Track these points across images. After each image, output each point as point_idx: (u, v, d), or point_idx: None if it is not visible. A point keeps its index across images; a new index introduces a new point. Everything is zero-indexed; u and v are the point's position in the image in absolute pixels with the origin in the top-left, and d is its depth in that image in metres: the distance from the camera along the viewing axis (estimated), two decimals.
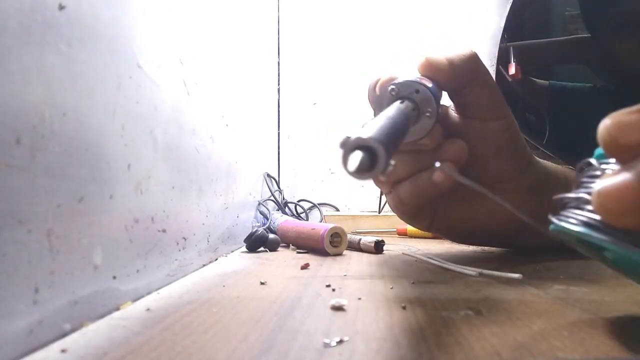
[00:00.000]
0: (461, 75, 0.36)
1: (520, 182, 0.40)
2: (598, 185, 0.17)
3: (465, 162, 0.37)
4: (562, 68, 0.95)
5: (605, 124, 0.18)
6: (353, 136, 0.18)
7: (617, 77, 0.86)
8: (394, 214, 0.43)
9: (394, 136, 0.22)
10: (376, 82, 0.37)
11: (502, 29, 0.84)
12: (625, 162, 0.17)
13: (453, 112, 0.39)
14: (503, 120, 0.39)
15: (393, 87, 0.33)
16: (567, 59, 0.93)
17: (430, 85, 0.33)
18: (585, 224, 0.19)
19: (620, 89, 0.84)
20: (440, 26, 0.89)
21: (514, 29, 0.85)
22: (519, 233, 0.42)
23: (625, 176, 0.16)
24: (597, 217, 0.19)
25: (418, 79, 0.34)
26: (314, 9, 0.92)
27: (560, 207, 0.22)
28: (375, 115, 0.33)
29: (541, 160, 0.43)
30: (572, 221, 0.20)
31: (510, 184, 0.39)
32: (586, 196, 0.19)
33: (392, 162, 0.20)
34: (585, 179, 0.20)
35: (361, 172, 0.18)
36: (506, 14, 0.84)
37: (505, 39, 0.85)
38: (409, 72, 0.36)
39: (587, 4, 0.85)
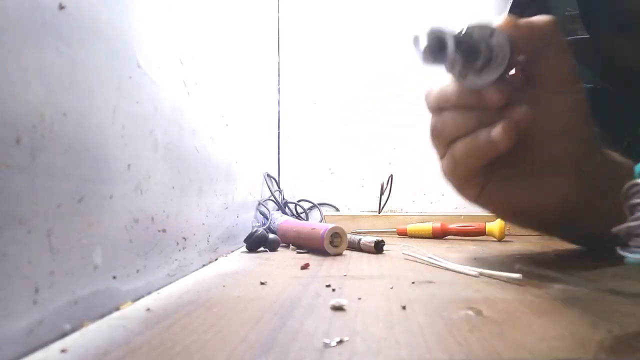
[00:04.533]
0: (538, 37, 0.34)
1: (583, 169, 0.37)
2: None
3: (526, 129, 0.35)
4: None
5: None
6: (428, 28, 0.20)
7: (618, 77, 0.86)
8: (447, 179, 0.41)
9: (465, 38, 0.23)
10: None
11: None
12: None
13: (522, 84, 0.37)
14: (574, 95, 0.36)
15: (467, 27, 0.31)
16: None
17: (506, 33, 0.33)
18: None
19: (620, 90, 0.84)
20: (441, 26, 0.89)
21: None
22: (567, 224, 0.40)
23: None
24: None
25: (494, 27, 0.33)
26: (314, 9, 0.92)
27: (626, 237, 0.21)
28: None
29: (611, 154, 0.40)
30: None
31: (571, 167, 0.37)
32: None
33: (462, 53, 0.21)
34: (638, 201, 0.20)
35: (431, 57, 0.20)
36: (506, 14, 0.84)
37: None
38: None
39: (585, 5, 0.85)
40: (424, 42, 0.19)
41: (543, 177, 0.37)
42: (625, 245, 0.21)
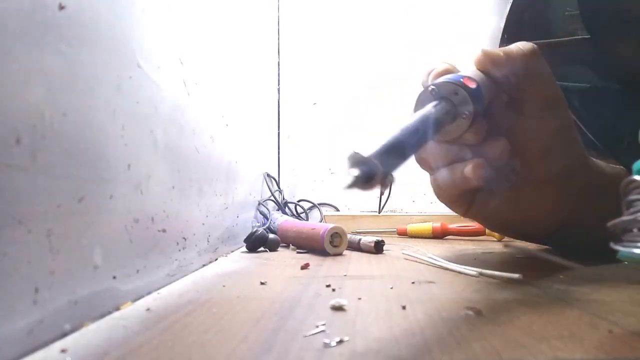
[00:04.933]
0: (517, 68, 0.35)
1: (569, 185, 0.38)
2: None
3: (505, 161, 0.36)
4: (562, 68, 0.95)
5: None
6: (354, 152, 0.20)
7: (618, 77, 0.86)
8: (435, 196, 0.42)
9: (404, 149, 0.23)
10: (430, 72, 0.36)
11: (502, 29, 0.84)
12: None
13: (505, 107, 0.38)
14: (558, 120, 0.37)
15: (433, 87, 0.33)
16: (567, 59, 0.93)
17: (473, 86, 0.33)
18: None
19: (621, 90, 0.84)
20: (441, 26, 0.89)
21: (514, 29, 0.85)
22: (557, 232, 0.41)
23: None
24: None
25: (461, 80, 0.33)
26: (314, 9, 0.92)
27: (621, 232, 0.22)
28: (415, 110, 0.33)
29: (598, 161, 0.41)
30: None
31: (557, 185, 0.38)
32: None
33: (394, 175, 0.21)
34: (634, 197, 0.20)
35: (354, 185, 0.20)
36: (506, 14, 0.84)
37: (505, 39, 0.85)
38: (466, 65, 0.35)
39: (585, 5, 0.85)
40: (351, 176, 0.20)
41: (529, 196, 0.39)
42: (619, 240, 0.21)
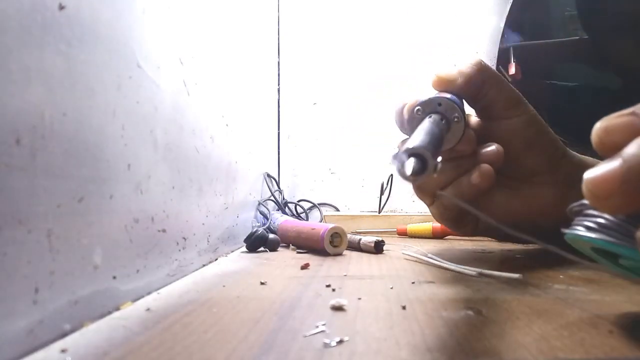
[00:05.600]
0: (472, 81, 0.39)
1: (557, 175, 0.40)
2: (585, 174, 0.19)
3: (502, 161, 0.39)
4: (562, 68, 0.95)
5: (595, 127, 0.19)
6: (404, 147, 0.22)
7: (617, 77, 0.86)
8: (440, 222, 0.44)
9: (435, 142, 0.26)
10: (403, 107, 0.39)
11: (502, 29, 0.84)
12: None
13: (477, 119, 0.42)
14: (525, 115, 0.40)
15: (418, 107, 0.36)
16: (567, 59, 0.93)
17: (449, 96, 0.36)
18: (598, 229, 0.20)
19: (620, 89, 0.84)
20: (441, 26, 0.89)
21: (514, 29, 0.86)
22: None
23: (608, 165, 0.18)
24: (609, 219, 0.19)
25: (437, 94, 0.37)
26: (314, 9, 0.92)
27: (574, 215, 0.22)
28: (409, 132, 0.38)
29: (577, 154, 0.43)
30: (585, 227, 0.20)
31: (546, 176, 0.40)
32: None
33: (439, 160, 0.23)
34: None
35: (416, 174, 0.21)
36: (506, 14, 0.84)
37: (505, 39, 0.85)
38: (428, 91, 0.39)
39: (585, 5, 0.86)
40: (408, 167, 0.22)
41: (528, 192, 0.41)
42: (570, 223, 0.22)
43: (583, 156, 0.44)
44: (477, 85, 0.39)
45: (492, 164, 0.38)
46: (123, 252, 0.27)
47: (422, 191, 0.43)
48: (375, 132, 0.89)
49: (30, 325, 0.19)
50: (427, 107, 0.35)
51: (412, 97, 0.39)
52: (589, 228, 0.20)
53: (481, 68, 0.39)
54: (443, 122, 0.34)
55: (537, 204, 0.41)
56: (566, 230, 0.22)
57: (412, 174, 0.21)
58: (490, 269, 0.35)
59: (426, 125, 0.30)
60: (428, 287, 0.31)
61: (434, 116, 0.33)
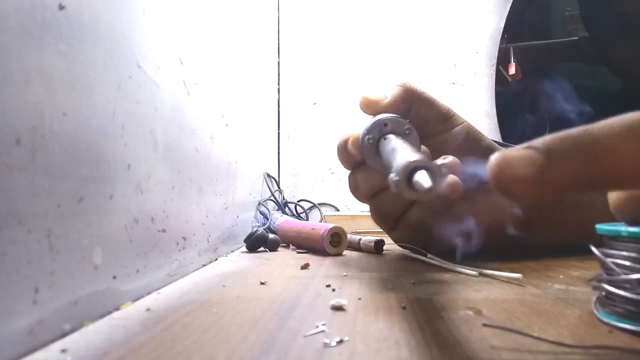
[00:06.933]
0: (398, 100, 0.40)
1: None
2: (491, 158, 0.19)
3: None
4: (562, 68, 0.95)
5: (495, 156, 0.19)
6: (405, 164, 0.22)
7: (618, 77, 0.86)
8: (377, 224, 0.46)
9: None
10: (346, 141, 0.41)
11: (502, 29, 0.84)
12: (512, 196, 0.19)
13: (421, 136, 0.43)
14: (457, 126, 0.43)
15: (368, 136, 0.37)
16: (567, 59, 0.93)
17: (388, 115, 0.38)
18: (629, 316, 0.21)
19: (620, 90, 0.84)
20: (441, 26, 0.89)
21: (514, 29, 0.86)
22: (531, 235, 0.41)
23: (513, 152, 0.19)
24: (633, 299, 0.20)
25: (378, 117, 0.37)
26: (314, 9, 0.92)
27: (594, 289, 0.23)
28: (367, 161, 0.39)
29: None
30: (617, 314, 0.22)
31: None
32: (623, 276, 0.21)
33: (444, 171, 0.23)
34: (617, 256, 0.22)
35: (434, 186, 0.21)
36: (506, 14, 0.84)
37: (505, 39, 0.85)
38: (364, 120, 0.40)
39: (585, 5, 0.86)
40: (423, 181, 0.21)
41: (480, 200, 0.42)
42: (603, 304, 0.23)
43: None
44: (405, 104, 0.40)
45: (454, 174, 0.39)
46: (123, 252, 0.27)
47: (356, 193, 0.44)
48: None
49: (30, 325, 0.19)
50: (374, 132, 0.36)
51: (349, 130, 0.41)
52: (619, 314, 0.22)
53: (406, 89, 0.41)
54: (398, 138, 0.34)
55: (495, 209, 0.41)
56: (597, 312, 0.23)
57: (433, 186, 0.21)
58: (490, 269, 0.35)
59: (397, 143, 0.30)
60: (428, 287, 0.31)
61: (389, 136, 0.34)
